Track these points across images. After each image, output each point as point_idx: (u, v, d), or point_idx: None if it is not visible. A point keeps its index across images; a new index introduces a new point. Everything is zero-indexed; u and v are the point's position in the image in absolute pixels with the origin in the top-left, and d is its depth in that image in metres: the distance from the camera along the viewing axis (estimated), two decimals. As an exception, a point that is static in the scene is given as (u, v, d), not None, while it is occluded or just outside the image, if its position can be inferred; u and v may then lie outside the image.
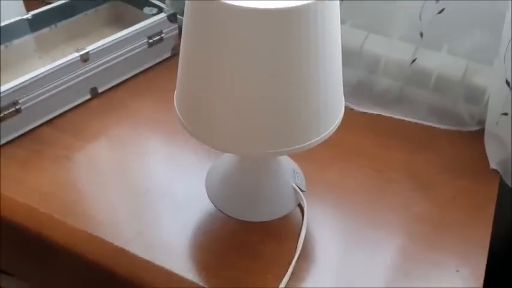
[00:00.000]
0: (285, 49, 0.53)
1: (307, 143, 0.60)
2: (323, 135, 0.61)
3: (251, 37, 0.52)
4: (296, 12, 0.51)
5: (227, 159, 0.76)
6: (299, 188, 0.75)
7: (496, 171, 0.82)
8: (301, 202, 0.74)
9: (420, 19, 0.83)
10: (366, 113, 0.92)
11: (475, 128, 0.89)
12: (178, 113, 0.64)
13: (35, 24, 0.97)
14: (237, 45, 0.53)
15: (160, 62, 1.00)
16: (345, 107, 0.93)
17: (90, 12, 1.03)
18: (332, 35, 0.56)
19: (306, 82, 0.56)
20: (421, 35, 0.85)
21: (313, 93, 0.57)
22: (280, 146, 0.59)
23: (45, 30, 0.98)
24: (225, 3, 0.51)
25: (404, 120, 0.90)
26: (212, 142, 0.60)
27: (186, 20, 0.57)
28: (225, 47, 0.53)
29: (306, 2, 0.51)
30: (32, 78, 0.81)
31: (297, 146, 0.59)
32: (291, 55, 0.53)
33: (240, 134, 0.58)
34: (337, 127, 0.63)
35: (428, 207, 0.76)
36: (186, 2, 0.56)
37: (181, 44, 0.60)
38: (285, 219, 0.73)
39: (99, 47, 0.88)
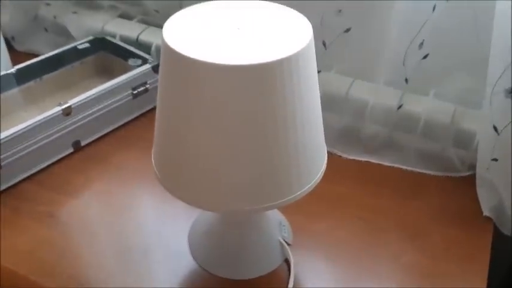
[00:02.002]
0: (260, 104, 0.52)
1: (289, 197, 0.58)
2: (305, 188, 0.59)
3: (224, 93, 0.51)
4: (269, 67, 0.50)
5: (209, 214, 0.73)
6: (286, 241, 0.73)
7: (489, 218, 0.79)
8: (288, 257, 0.71)
9: (404, 65, 0.83)
10: (354, 160, 0.90)
11: (466, 173, 0.87)
12: (155, 169, 0.62)
13: (20, 78, 0.96)
14: (209, 101, 0.52)
15: (144, 113, 0.99)
16: (332, 154, 0.93)
17: (76, 64, 1.02)
18: (308, 85, 0.55)
19: (284, 135, 0.54)
20: (406, 80, 0.85)
21: (292, 146, 0.55)
22: (260, 202, 0.57)
23: (31, 83, 0.97)
24: (195, 59, 0.50)
25: (393, 167, 0.88)
26: (188, 199, 0.58)
27: (160, 76, 0.56)
28: (198, 103, 0.52)
29: (279, 57, 0.50)
30: (13, 133, 0.80)
31: (278, 201, 0.57)
32: (267, 110, 0.52)
33: (216, 190, 0.56)
34: (320, 179, 0.61)
35: (419, 257, 0.74)
36: (161, 59, 0.56)
37: (157, 99, 0.59)
38: (271, 275, 0.70)
39: (82, 100, 0.87)
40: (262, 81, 0.50)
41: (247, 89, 0.51)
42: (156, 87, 0.98)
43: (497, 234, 0.79)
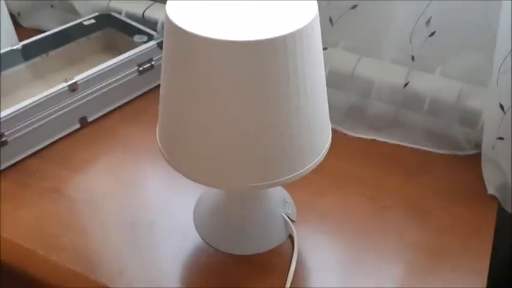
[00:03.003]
0: (263, 81, 0.51)
1: (292, 175, 0.58)
2: (309, 166, 0.59)
3: (227, 70, 0.51)
4: (273, 43, 0.50)
5: (215, 190, 0.74)
6: (289, 218, 0.73)
7: (493, 196, 0.79)
8: (292, 233, 0.72)
9: (410, 42, 0.82)
10: (360, 138, 0.90)
11: (472, 151, 0.86)
12: (160, 146, 0.62)
13: (26, 53, 0.97)
14: (213, 78, 0.52)
15: (150, 90, 0.99)
16: (338, 132, 0.93)
17: (82, 40, 1.02)
18: (313, 62, 0.54)
19: (287, 113, 0.54)
20: (413, 58, 0.84)
21: (295, 123, 0.55)
22: (264, 179, 0.57)
23: (37, 59, 0.97)
24: (199, 35, 0.49)
25: (399, 145, 0.88)
26: (193, 176, 0.59)
27: (164, 52, 0.56)
28: (201, 80, 0.52)
29: (283, 33, 0.50)
30: (19, 109, 0.80)
31: (281, 179, 0.58)
32: (271, 86, 0.52)
33: (220, 168, 0.57)
34: (323, 157, 0.61)
35: (424, 235, 0.74)
36: (165, 35, 0.55)
37: (161, 77, 0.59)
38: (275, 251, 0.71)
39: (88, 76, 0.87)
40: (266, 57, 0.50)
41: (250, 65, 0.50)
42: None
43: (502, 213, 0.79)
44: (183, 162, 0.59)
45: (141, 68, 0.95)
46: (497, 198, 0.79)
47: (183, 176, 0.60)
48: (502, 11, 0.70)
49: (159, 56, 0.97)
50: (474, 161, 0.84)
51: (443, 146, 0.87)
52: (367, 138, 0.90)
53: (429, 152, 0.87)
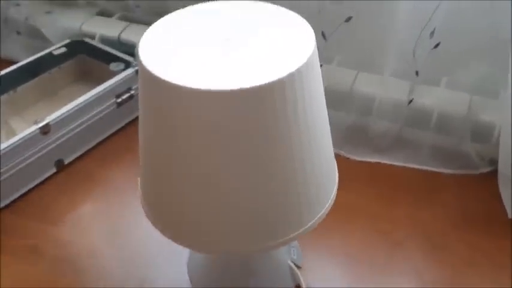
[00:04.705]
0: (256, 132, 0.44)
1: (298, 231, 0.50)
2: (318, 216, 0.52)
3: (213, 122, 0.43)
4: (264, 91, 0.42)
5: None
6: (296, 264, 0.66)
7: (515, 220, 0.73)
8: (299, 283, 0.65)
9: (414, 56, 0.75)
10: (363, 161, 0.82)
11: (486, 169, 0.79)
12: (143, 203, 0.54)
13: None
14: (198, 131, 0.44)
15: (131, 122, 0.91)
16: (340, 156, 0.86)
17: (53, 71, 0.94)
18: (313, 104, 0.47)
19: (290, 165, 0.46)
20: (417, 73, 0.76)
21: (301, 175, 0.47)
22: (264, 241, 0.50)
23: (4, 96, 0.88)
24: (179, 86, 0.41)
25: (406, 167, 0.81)
26: (181, 240, 0.51)
27: (140, 101, 0.48)
28: (184, 133, 0.44)
29: (275, 78, 0.41)
30: (-15, 161, 0.72)
31: (285, 238, 0.50)
32: (265, 138, 0.44)
33: (211, 231, 0.49)
34: (332, 204, 0.54)
35: (442, 271, 0.67)
36: (139, 82, 0.47)
37: (139, 128, 0.51)
38: (282, 305, 0.64)
39: (61, 115, 0.79)
40: (257, 106, 0.42)
41: (239, 116, 0.43)
42: (142, 93, 0.90)
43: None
44: (169, 224, 0.51)
45: (119, 100, 0.86)
46: (519, 222, 0.72)
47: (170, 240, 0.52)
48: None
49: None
50: (489, 179, 0.78)
51: (454, 165, 0.80)
52: (370, 162, 0.82)
53: (439, 172, 0.80)
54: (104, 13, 1.05)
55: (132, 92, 0.88)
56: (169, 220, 0.51)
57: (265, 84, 0.41)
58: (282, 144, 0.45)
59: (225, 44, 0.46)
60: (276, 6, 0.50)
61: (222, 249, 0.50)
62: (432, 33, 0.72)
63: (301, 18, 0.49)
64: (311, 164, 0.48)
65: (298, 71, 0.42)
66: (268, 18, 0.49)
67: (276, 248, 0.50)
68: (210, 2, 0.52)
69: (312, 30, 0.47)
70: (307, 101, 0.45)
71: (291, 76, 0.42)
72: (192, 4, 0.52)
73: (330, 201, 0.53)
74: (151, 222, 0.53)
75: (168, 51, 0.45)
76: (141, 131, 0.50)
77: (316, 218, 0.51)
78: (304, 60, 0.43)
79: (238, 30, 0.48)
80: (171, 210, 0.50)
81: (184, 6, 0.52)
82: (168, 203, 0.50)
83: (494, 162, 0.78)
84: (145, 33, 0.48)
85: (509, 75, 0.66)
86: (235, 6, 0.51)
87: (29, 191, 0.79)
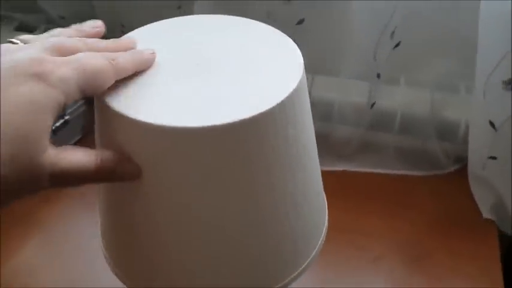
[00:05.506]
0: (234, 174, 0.37)
1: (286, 280, 0.44)
2: (307, 261, 0.46)
3: (183, 164, 0.36)
4: (241, 127, 0.35)
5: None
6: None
7: (490, 220, 0.70)
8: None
9: (375, 58, 0.70)
10: (328, 170, 0.77)
11: (454, 167, 0.77)
12: (107, 258, 0.46)
13: None
14: (167, 174, 0.36)
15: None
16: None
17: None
18: (300, 137, 0.40)
19: (277, 205, 0.40)
20: (378, 76, 0.72)
21: (292, 216, 0.41)
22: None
23: None
24: (142, 122, 0.34)
25: (373, 172, 0.77)
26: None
27: (97, 138, 0.41)
28: (151, 176, 0.37)
29: (255, 112, 0.35)
30: None
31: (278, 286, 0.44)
32: (245, 180, 0.38)
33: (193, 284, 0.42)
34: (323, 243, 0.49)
35: (428, 282, 0.64)
36: (96, 115, 0.40)
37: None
38: None
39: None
40: (233, 145, 0.36)
41: (213, 157, 0.36)
42: (78, 116, 0.81)
43: (503, 236, 0.71)
44: (141, 279, 0.44)
45: (53, 127, 0.77)
46: (493, 221, 0.70)
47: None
48: (481, 15, 0.59)
49: (73, 108, 0.80)
50: (457, 178, 0.76)
51: (422, 166, 0.77)
52: (335, 170, 0.78)
53: (408, 175, 0.77)
54: (24, 28, 0.93)
55: (67, 117, 0.79)
56: (138, 280, 0.44)
57: (242, 119, 0.34)
58: (264, 184, 0.39)
59: (195, 69, 0.39)
60: (251, 21, 0.43)
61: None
62: (393, 33, 0.68)
63: (282, 34, 0.42)
64: (299, 205, 0.42)
65: (284, 101, 0.36)
66: (244, 35, 0.42)
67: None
68: (176, 18, 0.44)
69: (298, 50, 0.40)
70: (294, 132, 0.39)
71: (274, 108, 0.36)
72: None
73: (321, 238, 0.48)
74: (118, 278, 0.46)
75: (127, 79, 0.38)
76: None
77: (309, 260, 0.46)
78: (290, 89, 0.37)
79: (210, 52, 0.40)
80: (140, 269, 0.43)
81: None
82: (137, 261, 0.43)
83: (460, 159, 0.76)
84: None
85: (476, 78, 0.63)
86: (205, 22, 0.44)
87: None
